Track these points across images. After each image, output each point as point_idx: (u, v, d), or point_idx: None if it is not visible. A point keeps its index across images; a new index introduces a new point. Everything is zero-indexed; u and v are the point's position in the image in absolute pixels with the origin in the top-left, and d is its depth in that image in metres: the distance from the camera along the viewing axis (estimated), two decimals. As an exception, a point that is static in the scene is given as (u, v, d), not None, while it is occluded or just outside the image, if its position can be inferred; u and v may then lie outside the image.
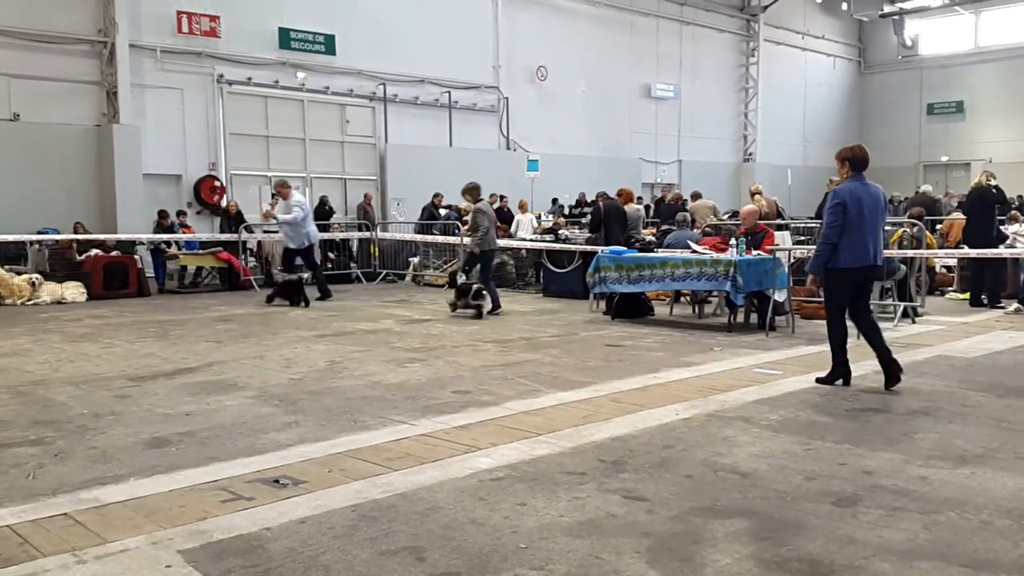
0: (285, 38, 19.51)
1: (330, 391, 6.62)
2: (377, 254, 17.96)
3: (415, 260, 17.51)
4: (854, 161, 6.58)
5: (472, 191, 11.94)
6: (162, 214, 16.41)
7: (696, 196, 17.74)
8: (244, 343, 9.15)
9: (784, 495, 4.17)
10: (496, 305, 11.53)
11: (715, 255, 9.93)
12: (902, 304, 10.56)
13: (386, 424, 5.57)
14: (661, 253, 10.90)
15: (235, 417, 5.78)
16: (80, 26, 16.85)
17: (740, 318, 10.22)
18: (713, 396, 6.36)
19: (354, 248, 18.31)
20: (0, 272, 13.27)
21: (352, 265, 17.93)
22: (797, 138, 32.45)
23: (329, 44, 20.17)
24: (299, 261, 13.26)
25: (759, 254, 9.93)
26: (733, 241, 9.99)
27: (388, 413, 5.87)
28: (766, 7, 30.29)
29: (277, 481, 4.37)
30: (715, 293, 10.85)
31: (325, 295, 13.38)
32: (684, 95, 28.58)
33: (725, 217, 17.27)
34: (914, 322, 10.45)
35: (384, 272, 17.75)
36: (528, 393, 6.50)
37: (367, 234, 18.19)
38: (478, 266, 11.76)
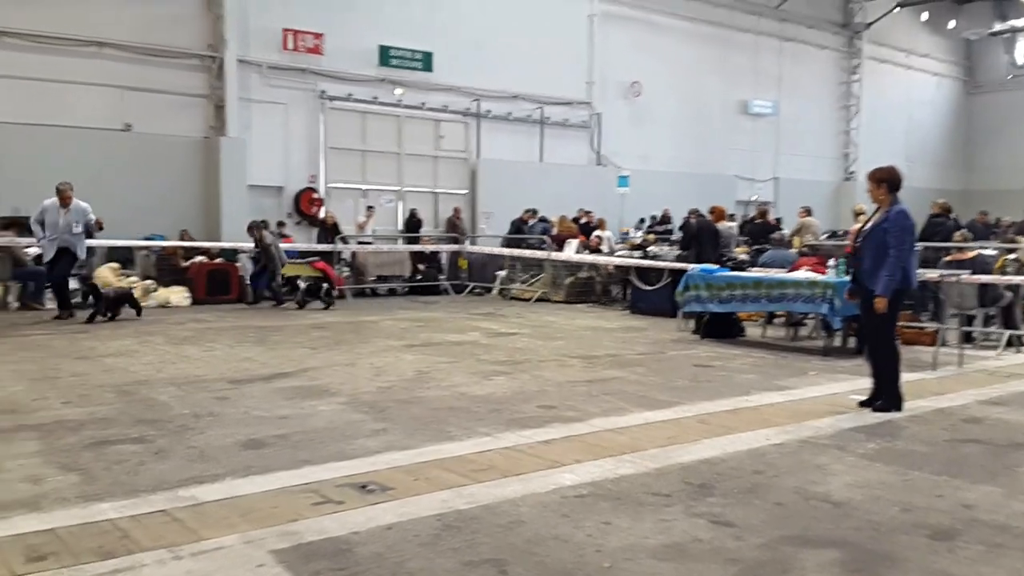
0: (385, 55, 19.98)
1: (417, 400, 6.72)
2: (465, 267, 18.14)
3: (502, 274, 17.62)
4: (892, 183, 6.57)
5: (255, 228, 14.64)
6: (263, 224, 16.98)
7: (808, 211, 17.28)
8: (336, 350, 9.37)
9: (878, 526, 4.02)
10: (280, 303, 14.20)
11: (813, 275, 9.67)
12: (1007, 332, 10.07)
13: (471, 436, 5.61)
14: (755, 273, 10.68)
15: (327, 422, 5.93)
16: (191, 42, 17.63)
17: (837, 342, 9.91)
18: (807, 422, 6.18)
19: (443, 260, 18.55)
20: (111, 278, 13.96)
21: (440, 277, 18.18)
22: (900, 158, 31.04)
23: (427, 61, 20.57)
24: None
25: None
26: (832, 262, 9.71)
27: (473, 425, 5.91)
28: (870, 24, 29.44)
29: (365, 487, 4.45)
30: (811, 315, 10.55)
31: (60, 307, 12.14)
32: (783, 112, 28.00)
33: (823, 238, 16.81)
34: (1019, 351, 9.95)
35: (471, 285, 17.92)
36: (613, 411, 6.45)
37: (455, 247, 18.39)
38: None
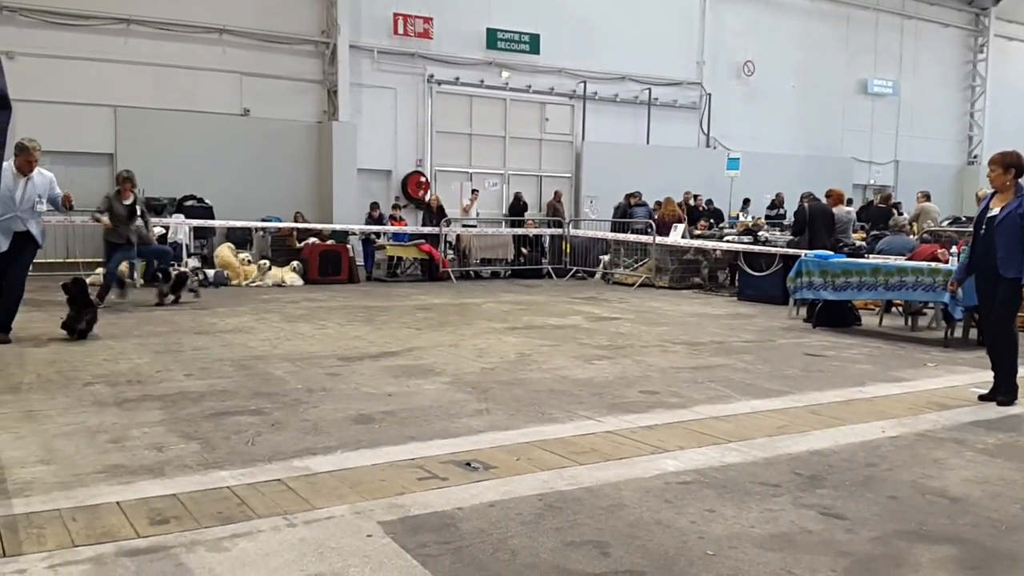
0: (492, 38, 20.09)
1: (519, 382, 6.77)
2: (568, 250, 18.14)
3: (606, 258, 17.51)
4: (1021, 169, 6.25)
5: (127, 180, 10.75)
6: (373, 206, 17.45)
7: (927, 196, 16.51)
8: (441, 331, 9.54)
9: (998, 524, 3.83)
10: (100, 299, 10.06)
11: (934, 264, 9.23)
12: None
13: (572, 418, 5.62)
14: (873, 259, 10.26)
15: (432, 401, 6.04)
16: (305, 28, 18.18)
17: (958, 333, 9.44)
18: (924, 415, 5.92)
19: (546, 244, 18.60)
20: (229, 257, 14.62)
21: (543, 261, 18.22)
22: (1029, 141, 29.44)
23: (534, 43, 20.57)
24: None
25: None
26: (954, 249, 9.24)
27: (575, 408, 5.92)
28: (998, 0, 27.69)
29: (469, 464, 4.52)
30: (931, 305, 10.08)
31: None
32: (903, 92, 26.73)
33: (944, 224, 16.00)
34: None
35: (574, 269, 17.89)
36: (719, 398, 6.34)
37: (558, 231, 18.40)
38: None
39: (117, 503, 3.82)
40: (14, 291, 8.01)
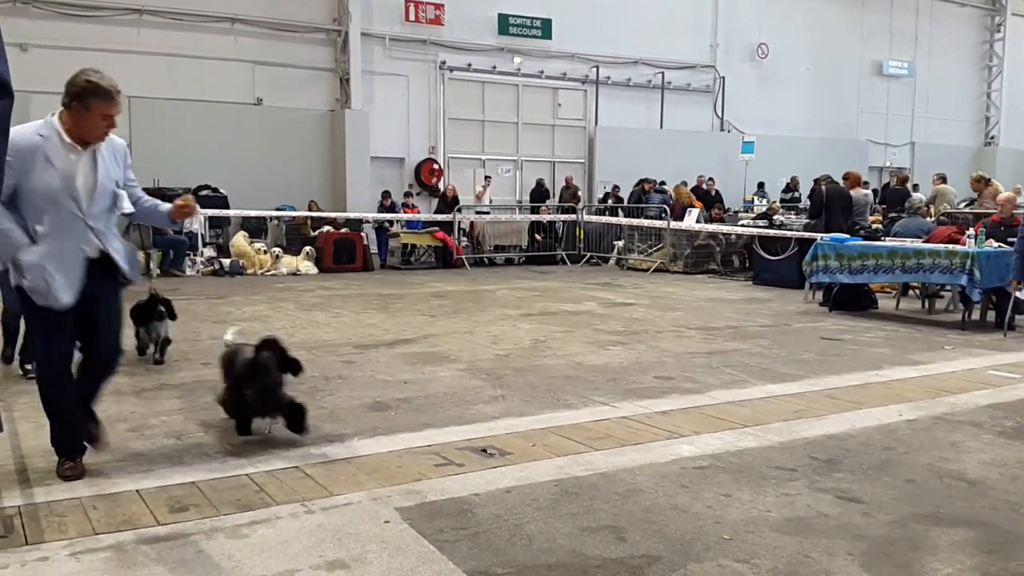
0: (504, 24, 20.01)
1: (534, 368, 6.77)
2: (582, 236, 18.10)
3: (620, 244, 17.47)
4: None
5: None
6: (385, 194, 17.46)
7: (942, 179, 16.36)
8: (455, 318, 9.55)
9: (1016, 507, 3.82)
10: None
11: (951, 246, 9.15)
12: None
13: (588, 404, 5.62)
14: (889, 242, 10.19)
15: (447, 387, 6.06)
16: (317, 16, 18.16)
17: (976, 315, 9.37)
18: (941, 398, 5.89)
19: (560, 230, 18.56)
20: (245, 246, 14.67)
21: (556, 247, 18.20)
22: (1047, 122, 29.11)
23: (546, 28, 20.47)
24: None
25: (1000, 246, 9.04)
26: (971, 231, 9.16)
27: (590, 394, 5.92)
28: (1016, -22, 27.37)
29: (485, 451, 4.54)
30: (948, 287, 10.00)
31: None
32: (919, 73, 26.44)
33: (961, 205, 15.84)
34: None
35: (588, 255, 17.86)
36: (734, 383, 6.33)
37: (572, 217, 18.36)
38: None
39: (137, 491, 3.87)
40: (105, 364, 4.26)
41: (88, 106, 3.89)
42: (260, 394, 4.58)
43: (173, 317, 7.01)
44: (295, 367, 4.73)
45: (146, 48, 16.36)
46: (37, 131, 3.90)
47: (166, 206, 4.37)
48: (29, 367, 6.02)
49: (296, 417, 4.66)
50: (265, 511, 3.67)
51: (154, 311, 6.86)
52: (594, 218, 18.35)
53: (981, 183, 13.74)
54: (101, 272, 4.06)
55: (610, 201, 19.46)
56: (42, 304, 3.88)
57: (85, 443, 4.20)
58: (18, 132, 3.68)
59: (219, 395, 5.01)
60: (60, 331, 3.97)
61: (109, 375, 4.33)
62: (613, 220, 18.03)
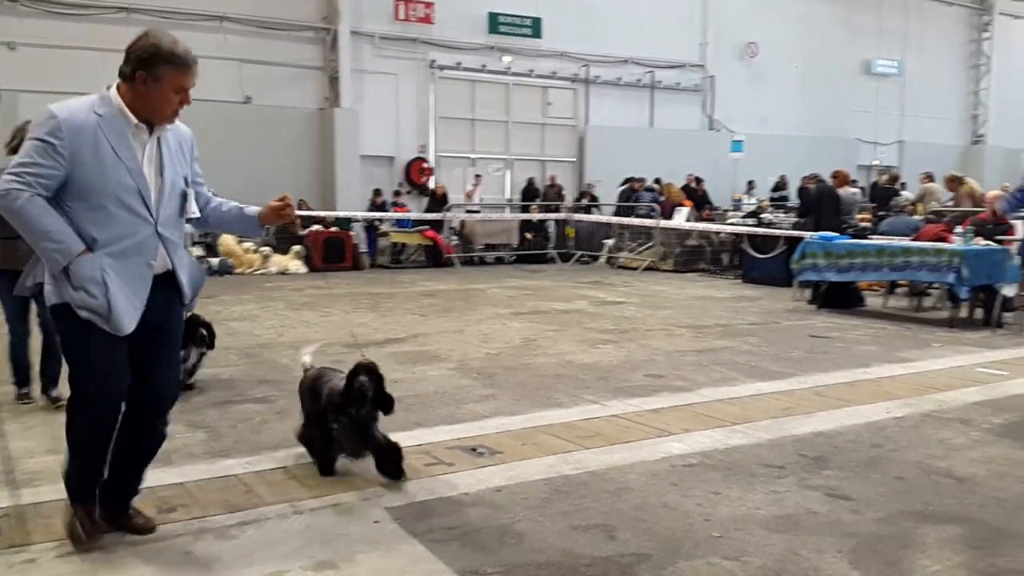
0: (494, 23, 19.99)
1: (524, 367, 6.77)
2: (572, 235, 18.10)
3: (610, 242, 17.49)
4: None
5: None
6: (375, 193, 17.42)
7: (930, 177, 16.46)
8: (446, 317, 9.54)
9: (1004, 503, 3.84)
10: None
11: (938, 244, 9.21)
12: None
13: (578, 403, 5.62)
14: (877, 240, 10.23)
15: (437, 387, 6.05)
16: (306, 14, 18.10)
17: (963, 313, 9.42)
18: (929, 395, 5.92)
19: (550, 229, 18.56)
20: (233, 245, 14.62)
21: (548, 246, 18.19)
22: (1035, 120, 29.28)
23: (536, 27, 20.46)
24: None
25: (988, 244, 9.10)
26: (959, 229, 9.21)
27: (580, 392, 5.92)
28: (1003, -23, 27.54)
29: (475, 449, 4.54)
30: (936, 285, 10.06)
31: None
32: (908, 72, 26.57)
33: (949, 204, 15.90)
34: None
35: (578, 253, 17.87)
36: (723, 381, 6.34)
37: (562, 215, 18.36)
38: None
39: (125, 492, 3.84)
40: (158, 414, 3.45)
41: (158, 76, 3.09)
42: (352, 430, 3.87)
43: (211, 346, 5.98)
44: (388, 404, 3.97)
45: (134, 46, 16.24)
46: (93, 108, 3.08)
47: (253, 209, 3.49)
48: (55, 394, 5.34)
49: (391, 459, 3.93)
50: (253, 512, 3.65)
51: (194, 334, 5.78)
52: (584, 216, 18.37)
53: (955, 183, 13.82)
54: (164, 294, 3.24)
55: (584, 200, 19.42)
56: (101, 327, 3.05)
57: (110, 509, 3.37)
58: (68, 109, 3.02)
59: (298, 430, 4.34)
60: (112, 363, 3.11)
61: (161, 434, 3.45)
62: (602, 219, 18.05)
